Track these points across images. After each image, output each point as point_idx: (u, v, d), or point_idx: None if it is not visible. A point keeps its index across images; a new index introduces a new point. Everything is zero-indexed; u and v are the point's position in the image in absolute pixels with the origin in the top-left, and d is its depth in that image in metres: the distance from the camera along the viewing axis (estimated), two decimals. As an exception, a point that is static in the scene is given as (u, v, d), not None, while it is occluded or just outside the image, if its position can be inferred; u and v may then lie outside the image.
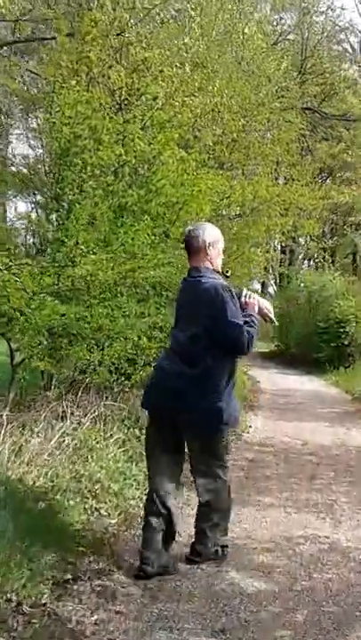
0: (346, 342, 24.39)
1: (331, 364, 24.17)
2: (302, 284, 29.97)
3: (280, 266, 35.58)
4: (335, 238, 30.75)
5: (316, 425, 14.30)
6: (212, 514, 5.82)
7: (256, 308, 5.76)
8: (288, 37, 27.53)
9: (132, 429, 9.14)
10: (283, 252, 41.85)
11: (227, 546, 5.96)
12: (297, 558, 6.25)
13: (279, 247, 43.32)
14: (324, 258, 33.12)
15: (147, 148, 8.53)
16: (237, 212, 11.79)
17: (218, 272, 5.68)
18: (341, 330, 24.38)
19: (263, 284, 52.05)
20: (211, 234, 5.63)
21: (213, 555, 5.84)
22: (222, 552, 5.90)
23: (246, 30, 15.00)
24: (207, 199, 9.97)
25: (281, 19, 27.93)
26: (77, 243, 7.56)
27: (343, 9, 39.44)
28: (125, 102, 9.64)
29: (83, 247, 7.58)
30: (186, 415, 5.42)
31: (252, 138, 12.81)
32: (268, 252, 19.31)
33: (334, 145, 27.26)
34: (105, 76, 9.39)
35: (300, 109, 20.38)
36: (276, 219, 12.96)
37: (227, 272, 6.02)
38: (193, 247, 5.62)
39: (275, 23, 27.21)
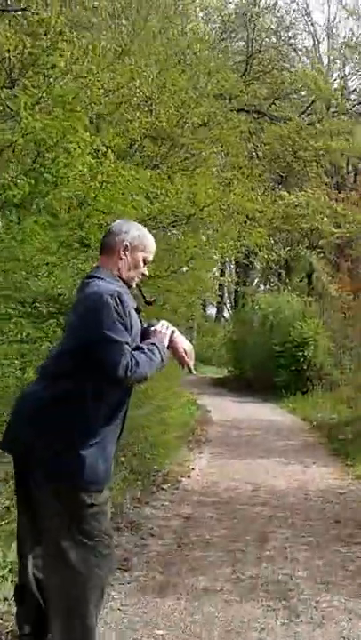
0: (304, 366, 23.34)
1: (288, 389, 23.06)
2: (257, 306, 28.33)
3: (235, 286, 34.01)
4: (288, 249, 28.89)
5: (270, 462, 12.49)
6: None
7: (166, 341, 4.23)
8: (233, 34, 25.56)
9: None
10: (236, 271, 40.27)
11: None
12: None
13: (233, 265, 41.67)
14: (279, 278, 31.58)
15: (37, 124, 6.55)
16: (171, 220, 9.80)
17: (126, 284, 4.20)
18: (299, 353, 23.35)
19: (218, 309, 50.63)
20: (135, 236, 4.25)
21: None
22: None
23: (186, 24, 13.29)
24: (130, 199, 8.03)
25: (228, 15, 25.96)
26: None
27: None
28: (18, 73, 7.66)
29: None
30: (29, 456, 3.91)
31: (187, 133, 10.87)
32: (221, 271, 17.26)
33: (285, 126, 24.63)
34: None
35: (247, 111, 18.44)
36: (219, 227, 10.95)
37: (151, 299, 4.37)
38: (105, 245, 4.29)
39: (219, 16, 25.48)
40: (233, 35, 25.05)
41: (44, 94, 6.99)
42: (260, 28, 25.82)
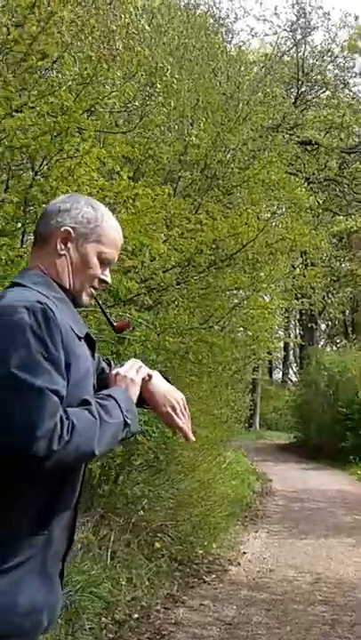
0: (374, 430, 21.97)
1: (357, 454, 21.40)
2: (322, 366, 26.67)
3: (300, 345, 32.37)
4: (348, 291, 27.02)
5: (336, 543, 10.60)
6: None
7: (134, 390, 2.66)
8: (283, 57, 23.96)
9: None
10: (301, 334, 38.73)
11: None
12: None
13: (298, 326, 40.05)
14: (345, 335, 29.93)
15: (11, 122, 5.02)
16: (207, 262, 8.16)
17: (72, 296, 2.61)
18: (367, 416, 22.12)
19: (283, 372, 49.12)
20: (83, 218, 2.65)
21: None
22: None
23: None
24: (151, 226, 6.49)
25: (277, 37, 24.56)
26: None
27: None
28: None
29: None
30: None
31: (224, 157, 9.30)
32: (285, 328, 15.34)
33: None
34: None
35: (296, 142, 16.78)
36: (266, 265, 9.28)
37: (122, 324, 3.18)
38: (37, 231, 2.71)
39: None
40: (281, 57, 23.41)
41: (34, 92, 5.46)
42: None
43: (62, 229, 2.58)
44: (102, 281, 2.66)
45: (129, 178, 6.81)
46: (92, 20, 6.55)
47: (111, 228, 2.67)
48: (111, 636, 6.00)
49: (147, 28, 9.50)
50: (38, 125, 5.59)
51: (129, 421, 2.48)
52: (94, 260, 2.61)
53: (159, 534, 8.71)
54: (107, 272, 2.66)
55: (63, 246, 2.57)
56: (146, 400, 2.71)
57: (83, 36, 6.97)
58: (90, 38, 6.95)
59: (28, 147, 5.48)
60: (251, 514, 13.03)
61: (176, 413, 2.72)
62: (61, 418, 2.22)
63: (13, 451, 2.21)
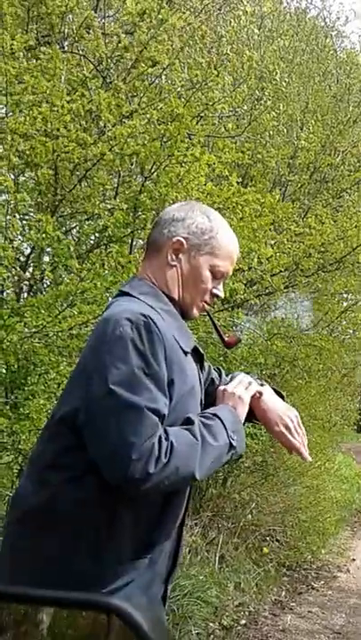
0: None
1: None
2: None
3: None
4: None
5: None
6: None
7: (243, 409, 2.51)
8: None
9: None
10: None
11: None
12: None
13: None
14: None
15: (123, 130, 5.02)
16: (316, 266, 8.01)
17: (181, 309, 2.48)
18: None
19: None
20: (197, 228, 2.50)
21: None
22: None
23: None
24: (259, 231, 6.43)
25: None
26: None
27: None
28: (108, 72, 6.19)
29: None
30: None
31: (333, 160, 9.12)
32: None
33: None
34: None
35: None
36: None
37: (233, 338, 3.12)
38: (150, 242, 2.58)
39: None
40: None
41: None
42: None
43: (175, 239, 2.45)
44: (214, 295, 2.51)
45: (237, 183, 6.77)
46: (203, 27, 6.53)
47: (226, 240, 2.52)
48: (218, 641, 5.97)
49: (256, 32, 9.43)
50: (148, 132, 5.60)
51: (235, 443, 2.33)
52: (206, 273, 2.47)
53: (267, 539, 8.65)
54: (220, 286, 2.52)
55: (175, 257, 2.45)
56: (258, 417, 2.59)
57: (192, 42, 6.96)
58: (200, 44, 6.92)
59: (137, 153, 5.49)
60: (358, 519, 12.82)
61: (290, 433, 2.57)
62: (160, 439, 2.11)
63: (108, 474, 2.13)
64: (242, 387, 2.52)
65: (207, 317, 2.97)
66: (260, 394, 2.56)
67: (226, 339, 2.87)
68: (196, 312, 2.52)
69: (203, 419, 2.29)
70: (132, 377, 2.12)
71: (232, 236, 2.55)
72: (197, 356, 2.49)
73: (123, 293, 2.44)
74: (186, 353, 2.37)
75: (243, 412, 2.48)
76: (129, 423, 2.08)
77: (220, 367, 2.85)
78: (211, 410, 2.39)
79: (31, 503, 2.29)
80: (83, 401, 2.20)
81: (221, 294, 2.53)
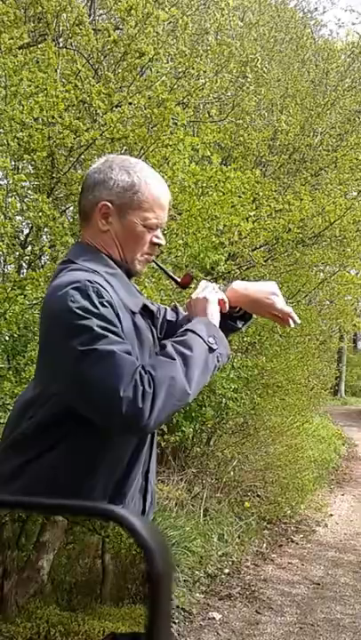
0: None
1: None
2: None
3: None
4: None
5: None
6: None
7: (213, 309, 2.43)
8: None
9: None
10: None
11: None
12: None
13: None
14: None
15: (112, 115, 5.21)
16: (295, 240, 8.15)
17: (124, 269, 2.37)
18: None
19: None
20: (116, 187, 2.33)
21: None
22: None
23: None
24: (236, 206, 6.60)
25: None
26: None
27: None
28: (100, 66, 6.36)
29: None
30: None
31: (312, 141, 9.27)
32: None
33: None
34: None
35: None
36: (354, 242, 9.16)
37: (184, 277, 2.74)
38: (80, 207, 2.44)
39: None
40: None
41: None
42: None
43: (100, 204, 2.32)
44: (155, 244, 2.38)
45: (220, 163, 6.96)
46: (185, 18, 6.67)
47: (152, 190, 2.34)
48: (204, 588, 6.18)
49: (239, 24, 9.52)
50: (136, 118, 5.78)
51: (214, 346, 2.22)
52: (140, 229, 2.33)
53: (249, 494, 8.87)
54: (157, 233, 2.37)
55: (105, 222, 2.33)
56: (240, 305, 2.54)
57: (177, 33, 7.12)
58: (184, 36, 7.07)
59: (126, 137, 5.66)
60: (337, 477, 13.04)
61: (280, 298, 2.52)
62: (140, 374, 2.02)
63: (105, 421, 2.09)
64: (205, 291, 2.45)
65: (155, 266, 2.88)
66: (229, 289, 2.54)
67: (179, 280, 2.71)
68: (140, 267, 2.41)
69: (175, 338, 2.22)
70: (96, 335, 2.06)
71: (157, 183, 2.38)
72: (148, 312, 2.42)
73: (67, 261, 2.34)
74: (135, 313, 2.30)
75: (214, 310, 2.40)
76: (108, 371, 2.02)
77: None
78: (182, 329, 2.30)
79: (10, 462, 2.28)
80: (49, 374, 2.25)
81: (162, 241, 2.40)
